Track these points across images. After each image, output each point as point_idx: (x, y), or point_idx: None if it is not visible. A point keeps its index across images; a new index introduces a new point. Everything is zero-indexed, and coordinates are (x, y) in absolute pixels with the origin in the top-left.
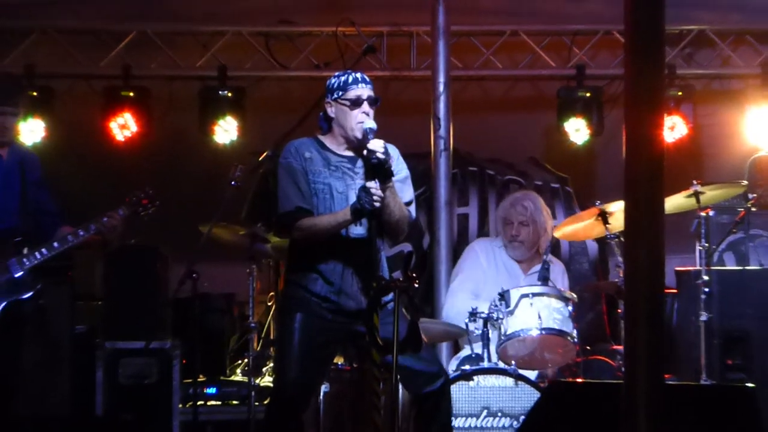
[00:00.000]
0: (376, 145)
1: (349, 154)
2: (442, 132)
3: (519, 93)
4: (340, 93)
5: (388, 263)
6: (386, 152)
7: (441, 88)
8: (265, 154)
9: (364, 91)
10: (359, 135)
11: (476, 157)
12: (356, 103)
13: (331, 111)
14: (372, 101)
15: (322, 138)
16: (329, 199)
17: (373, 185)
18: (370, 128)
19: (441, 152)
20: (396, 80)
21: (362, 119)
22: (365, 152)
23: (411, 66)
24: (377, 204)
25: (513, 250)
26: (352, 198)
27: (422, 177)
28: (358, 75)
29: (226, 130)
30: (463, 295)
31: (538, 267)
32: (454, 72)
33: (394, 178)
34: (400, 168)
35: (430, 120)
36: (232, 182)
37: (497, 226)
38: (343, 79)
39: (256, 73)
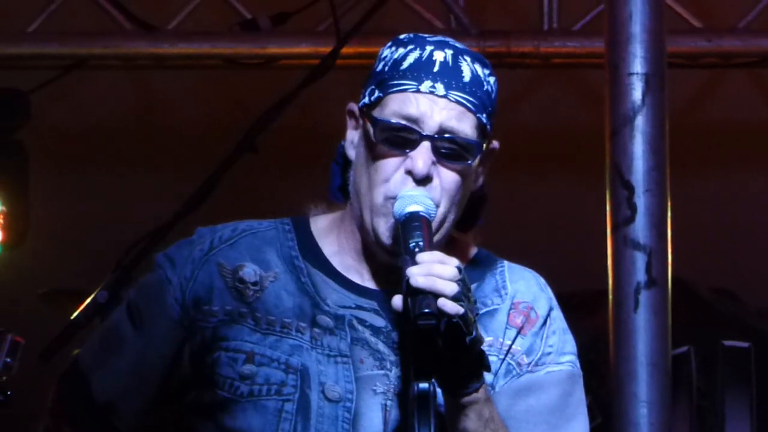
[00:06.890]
0: (443, 272)
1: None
2: None
3: None
4: (375, 94)
5: None
6: (473, 298)
7: None
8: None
9: (432, 105)
10: (385, 237)
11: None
12: (392, 138)
13: (351, 145)
14: (448, 149)
15: (319, 228)
16: (291, 416)
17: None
18: (411, 213)
19: None
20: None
21: (399, 185)
22: (409, 307)
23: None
24: None
25: None
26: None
27: None
28: (431, 48)
29: None
30: None
31: None
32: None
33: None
34: (550, 347)
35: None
36: None
37: None
38: (395, 56)
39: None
